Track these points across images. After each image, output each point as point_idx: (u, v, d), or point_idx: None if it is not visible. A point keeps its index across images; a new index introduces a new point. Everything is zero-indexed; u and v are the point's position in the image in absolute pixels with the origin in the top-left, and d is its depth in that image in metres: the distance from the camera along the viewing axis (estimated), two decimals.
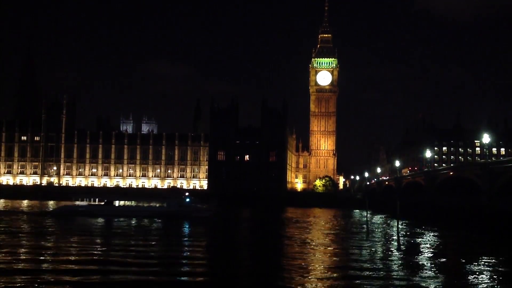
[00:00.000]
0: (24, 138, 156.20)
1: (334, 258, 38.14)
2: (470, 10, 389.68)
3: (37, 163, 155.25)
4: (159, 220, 68.56)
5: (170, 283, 27.77)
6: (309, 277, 29.98)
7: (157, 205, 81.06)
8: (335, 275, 30.97)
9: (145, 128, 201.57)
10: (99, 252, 38.32)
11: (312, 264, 34.82)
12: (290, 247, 43.41)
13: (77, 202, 78.78)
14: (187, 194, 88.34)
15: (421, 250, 43.53)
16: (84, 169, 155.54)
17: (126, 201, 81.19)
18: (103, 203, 76.95)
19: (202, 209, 77.71)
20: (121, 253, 37.13)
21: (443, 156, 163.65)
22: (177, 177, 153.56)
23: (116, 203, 78.10)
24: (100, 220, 66.47)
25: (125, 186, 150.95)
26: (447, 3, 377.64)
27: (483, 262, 36.45)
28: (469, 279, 30.33)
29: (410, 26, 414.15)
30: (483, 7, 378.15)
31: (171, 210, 74.25)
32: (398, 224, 60.41)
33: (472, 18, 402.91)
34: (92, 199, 79.01)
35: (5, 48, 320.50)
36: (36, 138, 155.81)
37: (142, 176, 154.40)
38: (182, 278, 29.85)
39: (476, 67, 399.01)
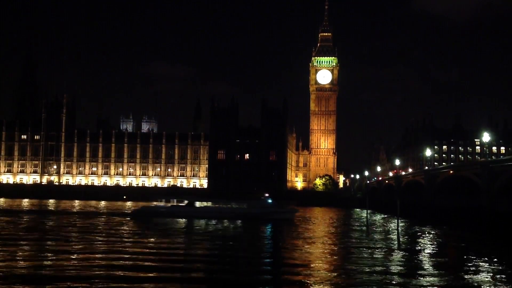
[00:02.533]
0: (24, 137, 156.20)
1: (334, 257, 38.18)
2: (468, 11, 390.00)
3: (37, 162, 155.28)
4: (240, 222, 67.17)
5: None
6: (309, 277, 30.01)
7: (238, 206, 77.69)
8: (335, 274, 31.00)
9: (145, 127, 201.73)
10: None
11: (312, 263, 34.84)
12: (290, 247, 43.44)
13: (156, 203, 77.70)
14: (266, 195, 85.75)
15: (421, 249, 43.57)
16: (84, 168, 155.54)
17: (205, 202, 79.16)
18: (183, 204, 76.02)
19: (284, 211, 76.22)
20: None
21: (443, 155, 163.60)
22: (177, 176, 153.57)
23: (197, 204, 76.91)
24: (183, 220, 66.14)
25: (125, 185, 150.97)
26: (445, 4, 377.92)
27: (483, 262, 36.49)
28: (469, 279, 30.35)
29: (409, 26, 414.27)
30: (480, 8, 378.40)
31: (253, 211, 72.91)
32: (398, 223, 60.54)
33: (471, 19, 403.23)
34: (171, 200, 78.10)
35: (5, 47, 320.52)
36: (36, 137, 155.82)
37: (142, 175, 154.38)
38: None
39: (475, 67, 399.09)
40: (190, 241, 46.05)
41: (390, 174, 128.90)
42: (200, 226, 61.32)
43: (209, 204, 77.85)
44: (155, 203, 78.85)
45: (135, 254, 36.15)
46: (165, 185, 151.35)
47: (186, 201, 76.84)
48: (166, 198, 79.69)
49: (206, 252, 39.60)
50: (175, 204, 76.70)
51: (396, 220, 64.56)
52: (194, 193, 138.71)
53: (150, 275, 28.98)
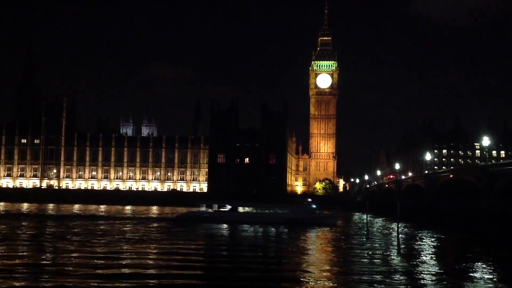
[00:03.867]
0: (24, 141, 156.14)
1: (334, 261, 38.06)
2: (465, 14, 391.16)
3: (37, 166, 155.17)
4: (284, 227, 65.89)
5: None
6: (309, 280, 29.91)
7: (282, 211, 76.26)
8: (335, 278, 30.92)
9: (145, 131, 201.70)
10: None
11: (312, 267, 34.73)
12: (289, 249, 43.33)
13: (201, 208, 76.54)
14: (309, 200, 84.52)
15: (421, 253, 43.43)
16: (84, 172, 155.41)
17: (248, 207, 78.21)
18: (226, 209, 75.11)
19: (329, 216, 75.06)
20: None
21: (443, 159, 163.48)
22: (177, 180, 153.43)
23: (240, 209, 76.15)
24: (226, 226, 65.73)
25: (125, 189, 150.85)
26: (443, 7, 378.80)
27: (483, 265, 36.38)
28: (469, 282, 30.25)
29: (407, 30, 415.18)
30: (478, 11, 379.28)
31: (298, 216, 71.67)
32: (398, 227, 60.37)
33: (468, 22, 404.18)
34: (214, 205, 77.22)
35: (5, 50, 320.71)
36: (36, 141, 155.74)
37: (142, 179, 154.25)
38: None
39: (474, 70, 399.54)
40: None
41: (390, 176, 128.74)
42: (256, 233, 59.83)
43: (251, 209, 77.10)
44: (200, 208, 77.44)
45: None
46: (165, 189, 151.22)
47: (229, 206, 75.79)
48: (207, 203, 78.65)
49: None
50: (217, 209, 75.76)
51: (396, 224, 64.39)
52: (194, 197, 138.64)
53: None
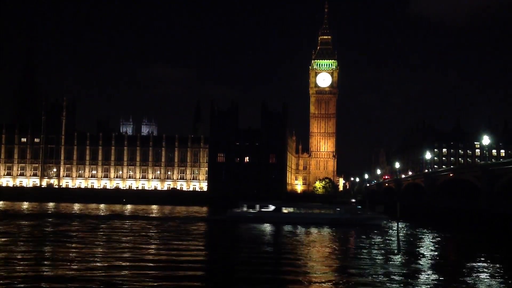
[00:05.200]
0: (24, 140, 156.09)
1: (333, 260, 38.12)
2: (464, 14, 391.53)
3: (37, 165, 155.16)
4: (327, 227, 64.89)
5: None
6: (308, 278, 29.98)
7: (326, 212, 75.22)
8: (334, 277, 30.98)
9: (145, 130, 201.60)
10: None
11: (311, 265, 34.79)
12: (289, 249, 43.37)
13: (243, 209, 75.92)
14: (354, 200, 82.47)
15: (421, 252, 43.46)
16: (84, 171, 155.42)
17: (292, 208, 77.52)
18: (270, 209, 74.43)
19: (375, 216, 74.28)
20: None
21: (443, 158, 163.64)
22: (177, 179, 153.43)
23: (284, 209, 75.63)
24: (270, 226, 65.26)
25: (124, 188, 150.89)
26: (442, 8, 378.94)
27: (483, 265, 36.43)
28: (469, 282, 30.30)
29: (407, 30, 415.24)
30: (476, 11, 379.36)
31: (344, 217, 70.77)
32: (398, 226, 60.42)
33: (467, 22, 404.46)
34: (256, 205, 76.61)
35: (5, 50, 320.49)
36: (36, 140, 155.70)
37: (142, 178, 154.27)
38: None
39: (473, 69, 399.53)
40: None
41: (385, 177, 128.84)
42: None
43: (295, 209, 76.35)
44: (242, 208, 76.82)
45: None
46: (165, 188, 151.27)
47: (272, 207, 75.22)
48: (249, 204, 78.21)
49: None
50: (259, 209, 75.17)
51: (396, 223, 64.45)
52: (194, 196, 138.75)
53: None
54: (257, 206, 76.03)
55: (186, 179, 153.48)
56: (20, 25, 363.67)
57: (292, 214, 74.74)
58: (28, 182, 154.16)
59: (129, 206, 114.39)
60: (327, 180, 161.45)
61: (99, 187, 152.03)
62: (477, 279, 31.09)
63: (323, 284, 28.93)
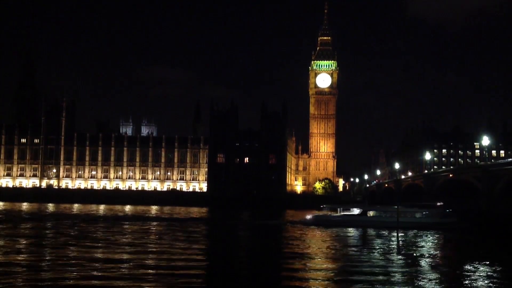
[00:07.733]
0: (23, 140, 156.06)
1: (333, 262, 38.10)
2: (462, 17, 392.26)
3: (36, 165, 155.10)
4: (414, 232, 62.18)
5: None
6: (308, 281, 29.96)
7: (413, 215, 71.52)
8: (334, 279, 30.96)
9: (144, 131, 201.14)
10: None
11: (311, 267, 34.77)
12: (289, 251, 43.36)
13: (325, 212, 74.55)
14: (441, 203, 78.66)
15: (421, 253, 43.46)
16: (84, 172, 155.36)
17: (378, 211, 74.57)
18: (355, 213, 72.78)
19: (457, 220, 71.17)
20: None
21: (443, 159, 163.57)
22: (177, 180, 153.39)
23: (370, 213, 73.47)
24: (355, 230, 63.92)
25: (124, 189, 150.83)
26: (440, 10, 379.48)
27: (483, 265, 36.39)
28: (469, 282, 30.29)
29: (406, 31, 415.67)
30: (474, 14, 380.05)
31: (433, 221, 67.64)
32: (397, 226, 60.33)
33: (465, 24, 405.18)
34: (338, 209, 75.67)
35: (5, 51, 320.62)
36: (36, 141, 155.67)
37: (141, 179, 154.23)
38: None
39: (473, 70, 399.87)
40: None
41: (376, 181, 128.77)
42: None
43: (380, 213, 73.44)
44: (324, 211, 75.29)
45: None
46: (165, 189, 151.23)
47: (357, 210, 73.45)
48: (331, 207, 76.42)
49: None
50: (342, 212, 74.16)
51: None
52: (194, 197, 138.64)
53: None
54: (339, 210, 74.60)
55: (185, 180, 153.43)
56: (20, 25, 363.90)
57: (379, 218, 71.43)
58: (28, 182, 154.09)
59: (129, 207, 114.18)
60: (326, 180, 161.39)
61: (99, 188, 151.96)
62: (476, 279, 31.06)
63: (318, 284, 28.81)
